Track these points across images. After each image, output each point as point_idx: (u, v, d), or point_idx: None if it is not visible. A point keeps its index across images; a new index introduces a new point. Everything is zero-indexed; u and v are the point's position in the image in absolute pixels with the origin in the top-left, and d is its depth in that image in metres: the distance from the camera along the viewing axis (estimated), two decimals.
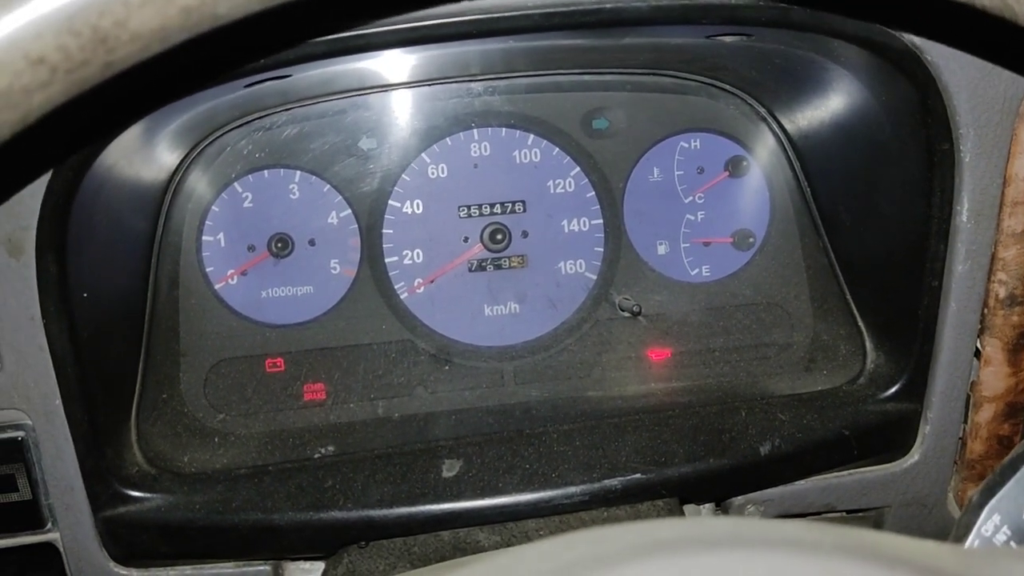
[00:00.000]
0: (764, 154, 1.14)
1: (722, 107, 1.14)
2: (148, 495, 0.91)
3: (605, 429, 0.97)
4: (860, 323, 1.06)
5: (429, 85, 1.10)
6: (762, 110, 1.12)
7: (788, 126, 1.10)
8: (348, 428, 1.06)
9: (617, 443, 0.96)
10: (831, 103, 0.99)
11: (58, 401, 0.85)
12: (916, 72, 0.84)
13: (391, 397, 1.10)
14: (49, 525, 0.90)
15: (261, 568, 0.96)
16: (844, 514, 1.06)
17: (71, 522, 0.90)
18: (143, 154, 0.93)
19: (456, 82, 1.10)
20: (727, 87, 1.12)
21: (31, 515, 0.89)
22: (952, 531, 0.56)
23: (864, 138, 0.97)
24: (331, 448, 1.00)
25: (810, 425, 0.97)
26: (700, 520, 0.37)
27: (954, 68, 0.84)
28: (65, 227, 0.80)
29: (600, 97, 1.14)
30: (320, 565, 0.96)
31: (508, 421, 1.05)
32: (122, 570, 0.93)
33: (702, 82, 1.13)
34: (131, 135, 0.84)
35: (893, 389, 0.99)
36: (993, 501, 0.56)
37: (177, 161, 1.02)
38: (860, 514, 1.07)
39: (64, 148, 0.76)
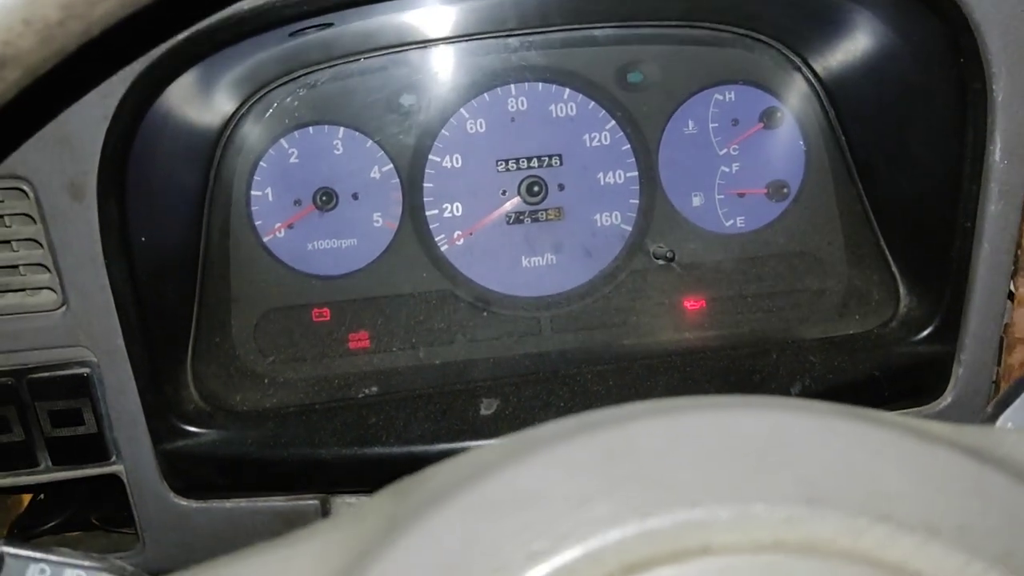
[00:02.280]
0: (798, 104, 1.15)
1: (756, 58, 1.15)
2: (204, 430, 0.97)
3: (638, 370, 1.00)
4: (893, 268, 1.07)
5: (467, 41, 1.13)
6: (796, 59, 1.13)
7: (822, 73, 1.11)
8: (391, 372, 1.10)
9: (649, 383, 0.98)
10: (860, 45, 1.00)
11: (120, 340, 0.91)
12: (947, 10, 0.85)
13: (431, 344, 1.14)
14: (114, 457, 0.96)
15: (310, 502, 1.01)
16: None
17: (134, 455, 0.96)
18: (196, 106, 0.97)
19: (493, 37, 1.13)
20: (761, 38, 1.13)
21: (97, 448, 0.95)
22: (984, 413, 0.58)
23: (896, 80, 0.98)
24: (375, 389, 1.04)
25: (841, 367, 0.99)
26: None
27: (986, 5, 0.85)
28: (124, 173, 0.85)
29: (635, 51, 1.16)
30: (365, 499, 1.01)
31: (545, 365, 1.08)
32: (181, 501, 0.99)
33: (736, 33, 1.14)
34: (184, 84, 0.89)
35: (926, 332, 1.00)
36: (1008, 411, 0.58)
37: (227, 115, 1.06)
38: None
39: (121, 95, 0.80)
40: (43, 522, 1.09)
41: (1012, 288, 0.96)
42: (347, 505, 1.00)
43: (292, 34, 0.89)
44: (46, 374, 0.92)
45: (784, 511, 0.32)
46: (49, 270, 0.88)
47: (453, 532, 0.33)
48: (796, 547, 0.32)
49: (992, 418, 0.59)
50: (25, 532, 1.08)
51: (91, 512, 1.09)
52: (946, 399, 1.02)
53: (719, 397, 0.38)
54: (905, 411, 1.02)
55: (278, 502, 1.01)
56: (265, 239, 1.14)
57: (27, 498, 1.17)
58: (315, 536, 0.39)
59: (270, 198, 1.14)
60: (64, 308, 0.90)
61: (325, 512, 1.02)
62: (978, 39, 0.86)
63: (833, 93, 1.10)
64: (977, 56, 0.87)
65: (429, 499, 0.35)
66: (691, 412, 0.36)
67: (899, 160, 1.03)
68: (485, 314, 1.15)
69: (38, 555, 0.55)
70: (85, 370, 0.92)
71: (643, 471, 0.33)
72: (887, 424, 0.37)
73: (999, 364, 1.00)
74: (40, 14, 0.37)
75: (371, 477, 0.98)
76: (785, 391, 0.97)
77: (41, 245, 0.87)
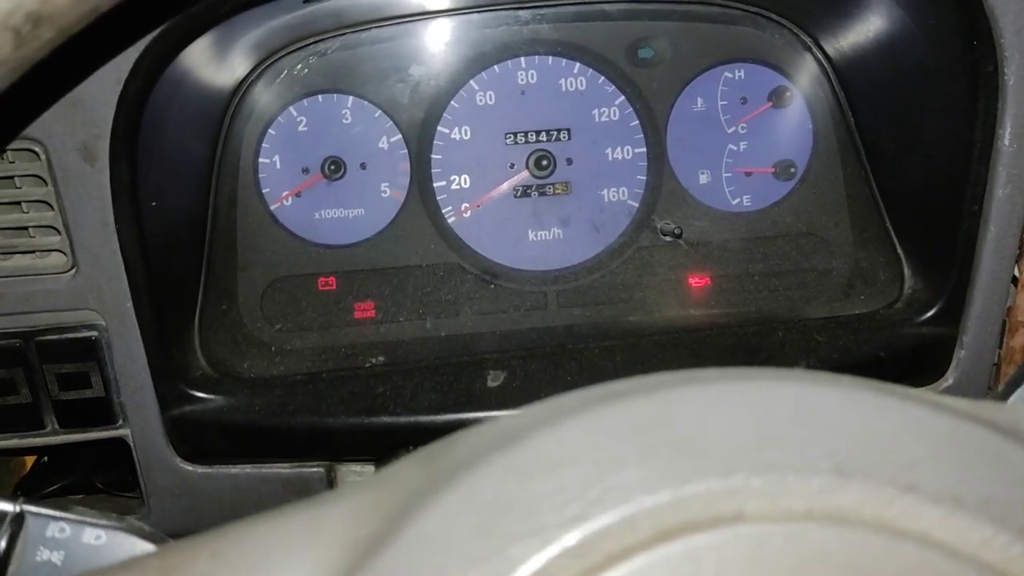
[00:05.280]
0: (808, 84, 1.15)
1: (767, 37, 1.15)
2: (211, 396, 0.97)
3: (645, 346, 1.01)
4: (899, 250, 1.08)
5: (478, 12, 1.12)
6: (807, 39, 1.12)
7: (832, 54, 1.11)
8: (397, 342, 1.10)
9: (656, 359, 0.99)
10: (872, 26, 0.99)
11: (129, 304, 0.91)
12: None
13: (438, 315, 1.14)
14: (120, 421, 0.97)
15: (315, 469, 1.02)
16: None
17: (141, 419, 0.96)
18: (207, 71, 0.97)
19: (504, 9, 1.13)
20: (772, 16, 1.13)
21: (104, 411, 0.96)
22: (997, 392, 0.59)
23: (908, 62, 0.98)
24: (381, 359, 1.04)
25: (846, 346, 1.00)
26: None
27: None
28: (136, 137, 0.85)
29: (646, 26, 1.16)
30: (370, 468, 1.02)
31: (551, 339, 1.09)
32: (187, 466, 0.99)
33: (748, 11, 1.14)
34: (196, 50, 0.88)
35: (930, 313, 1.01)
36: (1019, 391, 0.59)
37: (237, 82, 1.06)
38: None
39: (136, 58, 0.80)
40: (47, 485, 1.09)
41: (1016, 272, 0.97)
42: (353, 474, 1.01)
43: (306, 1, 0.88)
44: (54, 337, 0.92)
45: (816, 481, 0.33)
46: (59, 233, 0.88)
47: (486, 496, 0.34)
48: (826, 516, 0.32)
49: (1004, 396, 0.60)
50: (29, 496, 1.08)
51: (96, 476, 1.09)
52: (947, 380, 1.03)
53: (749, 369, 0.38)
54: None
55: (283, 469, 1.02)
56: (272, 207, 1.14)
57: (31, 461, 1.18)
58: (344, 498, 0.39)
59: (278, 166, 1.13)
60: (74, 271, 0.90)
61: (330, 480, 1.03)
62: (992, 22, 0.86)
63: (843, 74, 1.11)
64: (990, 39, 0.87)
65: (460, 464, 0.35)
66: (722, 383, 0.36)
67: (909, 143, 1.03)
68: (492, 287, 1.15)
69: (58, 514, 0.55)
70: (93, 333, 0.92)
71: (676, 439, 0.34)
72: (912, 398, 0.38)
73: (1000, 346, 1.01)
74: None
75: (377, 446, 0.99)
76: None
77: (52, 208, 0.87)
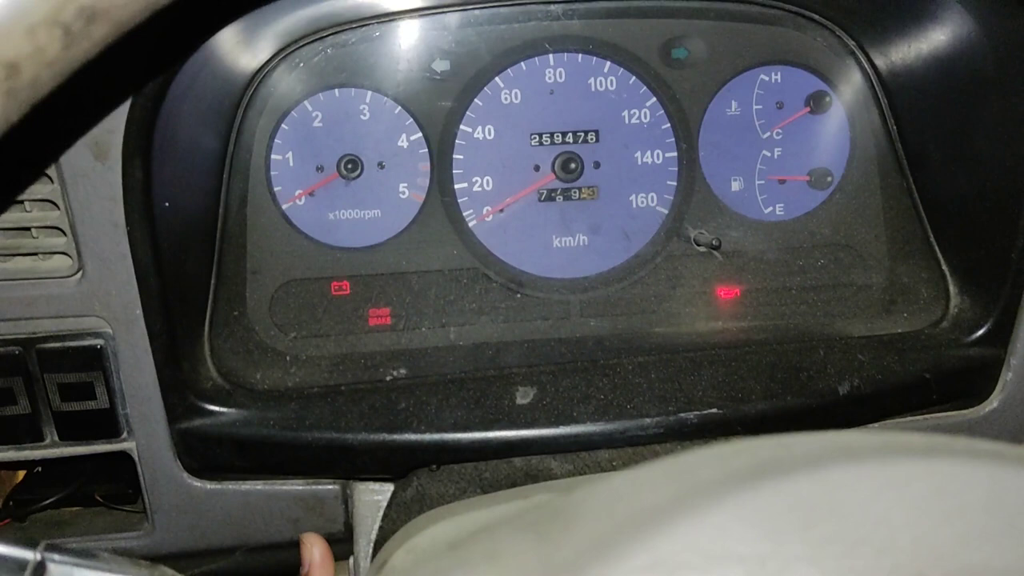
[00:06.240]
0: (848, 90, 1.10)
1: (808, 39, 1.10)
2: (223, 409, 0.91)
3: (680, 363, 0.96)
4: (944, 266, 1.04)
5: (507, 7, 1.07)
6: (851, 43, 1.08)
7: (879, 61, 1.06)
8: (419, 353, 1.05)
9: (693, 377, 0.94)
10: (933, 36, 0.95)
11: (139, 311, 0.85)
12: None
13: (461, 324, 1.09)
14: (125, 434, 0.91)
15: (330, 487, 0.97)
16: None
17: (147, 432, 0.90)
18: (222, 66, 0.91)
19: (534, 4, 1.07)
20: (816, 17, 1.08)
21: (108, 423, 0.90)
22: None
23: (966, 73, 0.93)
24: (403, 371, 0.99)
25: (890, 367, 0.95)
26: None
27: None
28: (151, 133, 0.79)
29: (681, 25, 1.10)
30: (388, 487, 0.96)
31: (581, 352, 1.04)
32: (195, 481, 0.94)
33: (790, 11, 1.09)
34: (213, 43, 0.82)
35: (978, 334, 0.97)
36: None
37: (251, 75, 0.99)
38: None
39: (154, 51, 0.74)
40: (41, 497, 1.03)
41: None
42: (371, 492, 0.95)
43: None
44: (57, 344, 0.86)
45: None
46: (65, 234, 0.82)
47: None
48: None
49: None
50: (24, 508, 1.02)
51: (94, 488, 1.03)
52: (992, 403, 0.99)
53: (908, 436, 0.33)
54: (950, 414, 1.00)
55: (297, 486, 0.96)
56: (284, 206, 1.08)
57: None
58: None
59: (291, 163, 1.07)
60: (80, 275, 0.83)
61: (346, 498, 0.97)
62: None
63: (888, 82, 1.06)
64: None
65: (594, 549, 0.30)
66: (894, 458, 0.31)
67: (958, 156, 0.99)
68: (519, 296, 1.10)
69: (81, 561, 0.49)
70: (99, 341, 0.86)
71: (849, 532, 0.29)
72: None
73: None
74: None
75: (398, 464, 0.93)
76: (833, 390, 0.93)
77: (57, 207, 0.81)
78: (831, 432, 0.33)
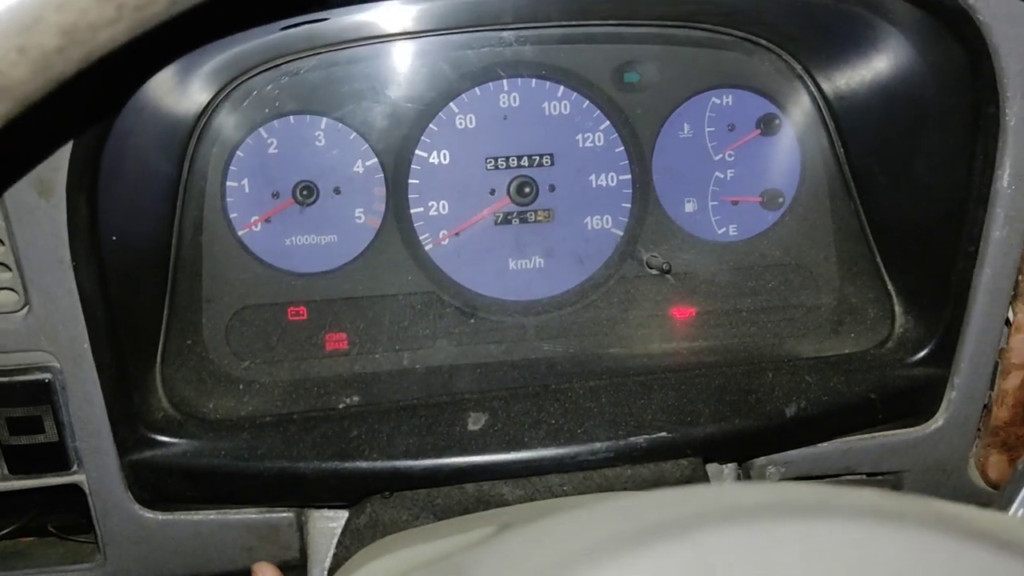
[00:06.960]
0: (798, 113, 1.12)
1: (756, 63, 1.12)
2: (174, 440, 0.91)
3: (631, 386, 0.97)
4: (890, 287, 1.05)
5: (460, 33, 1.07)
6: (798, 68, 1.09)
7: (825, 85, 1.08)
8: (373, 378, 1.05)
9: (643, 401, 0.95)
10: (874, 63, 0.97)
11: (86, 345, 0.85)
12: (967, 32, 0.83)
13: (416, 349, 1.09)
14: (75, 467, 0.90)
15: (284, 515, 0.97)
16: (864, 477, 1.06)
17: (97, 465, 0.90)
18: (172, 96, 0.91)
19: (487, 31, 1.08)
20: (763, 43, 1.10)
21: (57, 457, 0.89)
22: (999, 499, 0.56)
23: (906, 100, 0.95)
24: (356, 398, 0.99)
25: (837, 388, 0.97)
26: (775, 486, 0.36)
27: (1006, 29, 0.82)
28: (97, 168, 0.79)
29: (633, 50, 1.12)
30: (343, 513, 0.97)
31: (533, 376, 1.05)
32: (147, 513, 0.93)
33: (738, 37, 1.10)
34: (162, 76, 0.82)
35: (921, 353, 0.99)
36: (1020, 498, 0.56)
37: (204, 104, 1.00)
38: (879, 477, 1.07)
39: (99, 87, 0.74)
40: None
41: (1011, 314, 0.95)
42: (325, 519, 0.96)
43: (284, 28, 0.82)
44: (4, 379, 0.85)
45: None
46: (10, 269, 0.82)
47: None
48: None
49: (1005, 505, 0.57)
50: None
51: (47, 519, 1.03)
52: (937, 421, 1.01)
53: (801, 491, 0.34)
54: (896, 432, 1.01)
55: (251, 514, 0.96)
56: (240, 233, 1.08)
57: None
58: None
59: (247, 190, 1.07)
60: (26, 310, 0.83)
61: (300, 525, 0.97)
62: (995, 64, 0.84)
63: (835, 105, 1.08)
64: (993, 81, 0.85)
65: None
66: (770, 518, 0.32)
67: (902, 180, 1.01)
68: (472, 320, 1.11)
69: None
70: (46, 376, 0.86)
71: None
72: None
73: (992, 389, 0.99)
74: (36, 42, 0.31)
75: (351, 492, 0.94)
76: (781, 412, 0.95)
77: (3, 243, 0.80)
78: (722, 487, 0.34)
